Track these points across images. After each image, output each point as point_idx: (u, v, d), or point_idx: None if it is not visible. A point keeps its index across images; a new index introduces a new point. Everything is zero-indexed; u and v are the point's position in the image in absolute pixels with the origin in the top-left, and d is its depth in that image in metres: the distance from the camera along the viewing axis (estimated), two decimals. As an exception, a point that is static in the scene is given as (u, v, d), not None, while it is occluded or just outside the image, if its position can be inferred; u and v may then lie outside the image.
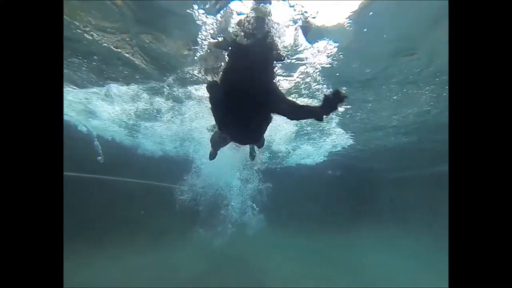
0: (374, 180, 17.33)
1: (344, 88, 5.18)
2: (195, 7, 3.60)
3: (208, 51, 4.49)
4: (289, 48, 4.36)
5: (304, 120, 8.17)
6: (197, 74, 5.49)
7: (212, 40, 4.18)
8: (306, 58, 4.69)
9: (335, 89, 2.63)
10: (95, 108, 8.43)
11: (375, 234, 14.64)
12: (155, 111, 8.32)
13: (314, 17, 3.71)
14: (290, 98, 4.34)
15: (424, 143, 10.01)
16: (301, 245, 13.39)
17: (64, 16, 3.80)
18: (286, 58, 4.58)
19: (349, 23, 3.81)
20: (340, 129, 9.28)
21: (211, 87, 3.12)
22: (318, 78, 5.33)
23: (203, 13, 3.69)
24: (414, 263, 10.45)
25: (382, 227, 15.22)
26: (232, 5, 3.56)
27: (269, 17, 3.63)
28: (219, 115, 3.29)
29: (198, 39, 4.21)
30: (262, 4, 3.49)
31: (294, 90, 5.91)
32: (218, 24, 3.85)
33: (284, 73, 5.22)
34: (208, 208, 12.72)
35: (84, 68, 5.65)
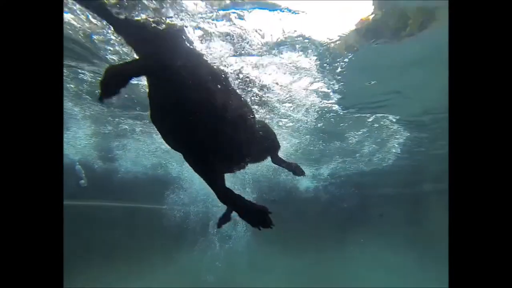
0: (364, 195, 17.51)
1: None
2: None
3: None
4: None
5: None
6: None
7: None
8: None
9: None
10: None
11: (363, 250, 14.65)
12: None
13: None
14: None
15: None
16: (290, 263, 13.14)
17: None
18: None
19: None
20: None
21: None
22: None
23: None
24: (401, 279, 10.54)
25: (371, 243, 15.25)
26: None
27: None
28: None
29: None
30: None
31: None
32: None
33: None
34: (194, 227, 12.32)
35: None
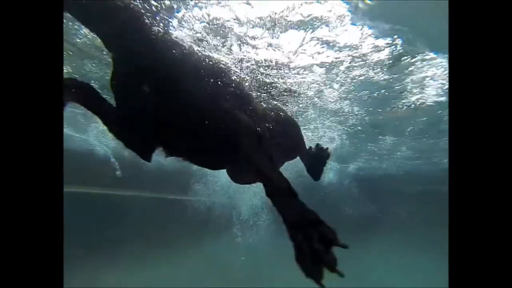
0: (389, 191, 16.80)
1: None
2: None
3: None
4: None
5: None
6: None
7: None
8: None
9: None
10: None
11: (385, 250, 14.10)
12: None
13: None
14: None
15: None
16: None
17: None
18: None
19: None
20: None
21: None
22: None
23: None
24: (424, 282, 10.07)
25: (394, 244, 14.64)
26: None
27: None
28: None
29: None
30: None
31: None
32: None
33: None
34: (219, 218, 12.64)
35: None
